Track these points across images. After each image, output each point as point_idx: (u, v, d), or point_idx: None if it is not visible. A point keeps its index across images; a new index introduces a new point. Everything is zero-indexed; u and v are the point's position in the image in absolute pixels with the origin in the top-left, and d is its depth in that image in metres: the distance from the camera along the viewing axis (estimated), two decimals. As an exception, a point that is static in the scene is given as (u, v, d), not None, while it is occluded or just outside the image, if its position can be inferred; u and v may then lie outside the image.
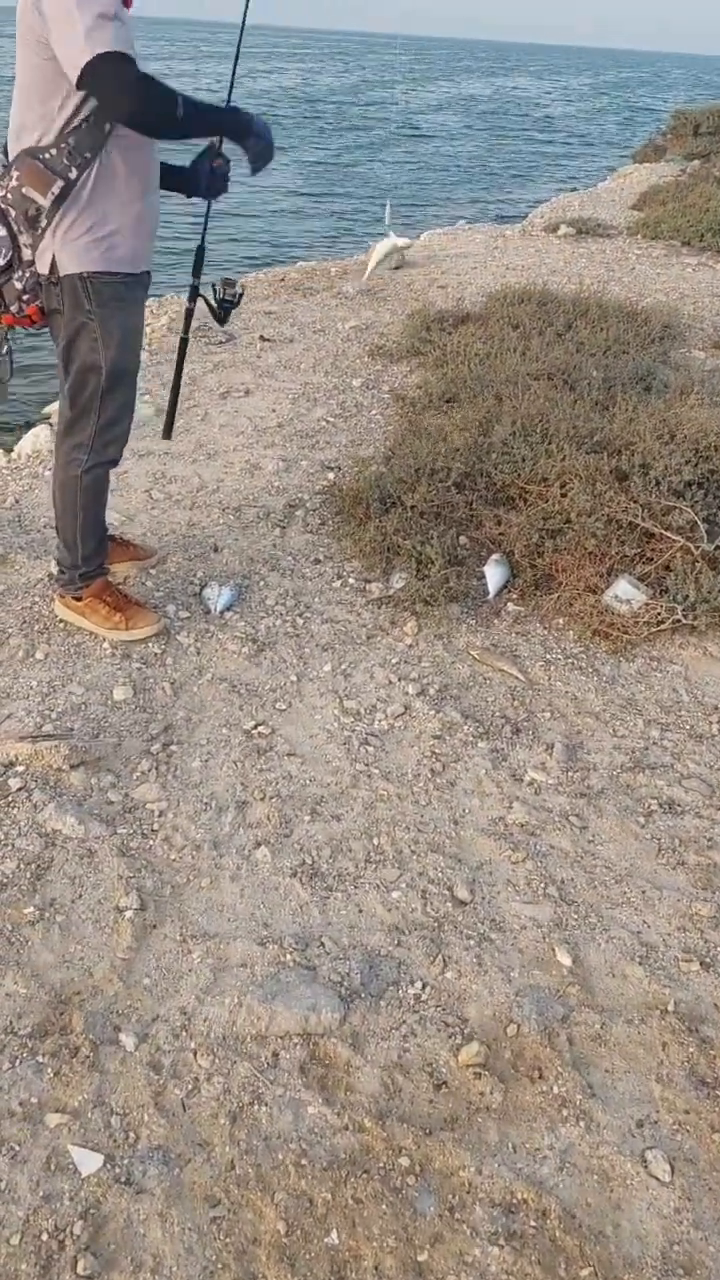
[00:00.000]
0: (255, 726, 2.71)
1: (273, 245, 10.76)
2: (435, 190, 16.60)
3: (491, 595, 3.38)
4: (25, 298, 2.55)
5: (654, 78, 79.30)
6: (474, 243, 9.32)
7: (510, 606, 3.38)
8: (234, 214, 12.82)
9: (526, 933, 2.17)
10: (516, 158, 22.11)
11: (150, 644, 2.99)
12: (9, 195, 2.41)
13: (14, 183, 2.39)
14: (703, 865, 2.38)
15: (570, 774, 2.64)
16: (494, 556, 3.51)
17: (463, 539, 3.71)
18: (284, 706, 2.80)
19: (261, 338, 6.10)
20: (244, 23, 2.77)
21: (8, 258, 2.48)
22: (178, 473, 4.20)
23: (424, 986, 2.03)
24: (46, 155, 2.36)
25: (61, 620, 3.06)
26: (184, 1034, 1.89)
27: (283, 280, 7.58)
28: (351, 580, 3.47)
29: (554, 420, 4.00)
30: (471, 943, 2.13)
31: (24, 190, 2.38)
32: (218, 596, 3.22)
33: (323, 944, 2.09)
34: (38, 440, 4.65)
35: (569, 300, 6.39)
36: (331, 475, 4.30)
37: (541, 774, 2.62)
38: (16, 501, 3.90)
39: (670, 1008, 2.03)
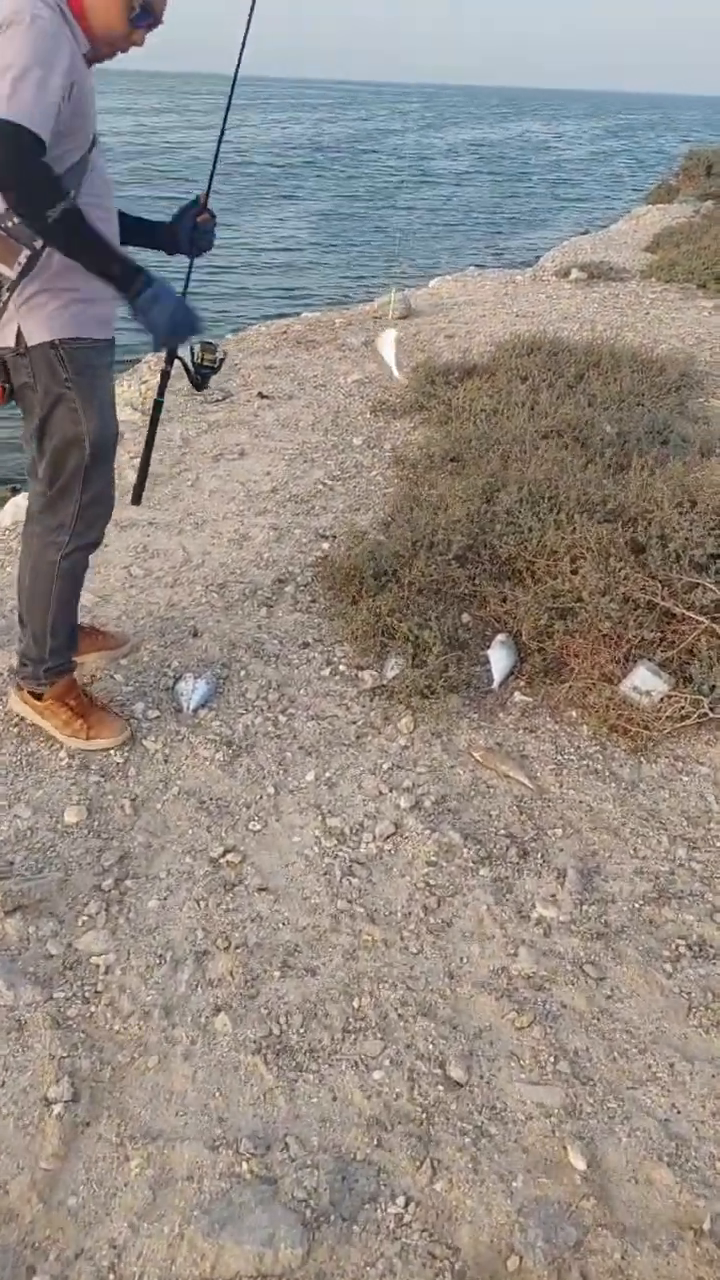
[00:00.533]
0: (224, 853, 2.38)
1: (280, 297, 10.58)
2: (444, 236, 16.51)
3: (496, 684, 3.05)
4: None
5: (663, 119, 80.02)
6: (483, 289, 9.10)
7: (517, 696, 3.04)
8: (234, 269, 12.70)
9: (532, 1124, 1.82)
10: (527, 201, 22.09)
11: (112, 752, 2.68)
12: None
13: None
14: (742, 1027, 2.02)
15: (585, 907, 2.29)
16: (499, 638, 3.19)
17: (465, 617, 3.40)
18: (258, 826, 2.47)
19: (260, 394, 5.86)
20: (236, 76, 2.52)
21: None
22: (161, 545, 3.92)
23: (408, 1203, 1.67)
24: (8, 224, 2.08)
25: (17, 716, 2.76)
26: (111, 1278, 1.54)
27: (285, 333, 7.37)
28: (342, 667, 3.15)
29: (563, 486, 3.69)
30: (467, 1140, 1.78)
31: None
32: (191, 692, 2.91)
33: (287, 1146, 1.75)
34: (19, 511, 4.39)
35: (580, 349, 6.11)
36: (326, 545, 4.00)
37: (552, 909, 2.28)
38: (-16, 582, 3.62)
39: (706, 1226, 1.67)
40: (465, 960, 2.14)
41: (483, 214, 19.39)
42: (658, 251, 10.63)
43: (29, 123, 1.84)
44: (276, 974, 2.08)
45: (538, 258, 12.59)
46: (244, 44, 2.46)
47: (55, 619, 2.59)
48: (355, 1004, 2.02)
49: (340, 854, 2.39)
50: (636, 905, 2.31)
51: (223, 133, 2.61)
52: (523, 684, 3.09)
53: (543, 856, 2.44)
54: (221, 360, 2.71)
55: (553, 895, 2.32)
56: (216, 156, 2.58)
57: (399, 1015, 2.00)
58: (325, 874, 2.34)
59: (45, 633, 2.60)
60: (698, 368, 6.49)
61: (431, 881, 2.33)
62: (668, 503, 3.44)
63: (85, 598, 3.35)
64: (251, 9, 2.39)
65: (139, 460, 2.87)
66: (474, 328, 7.47)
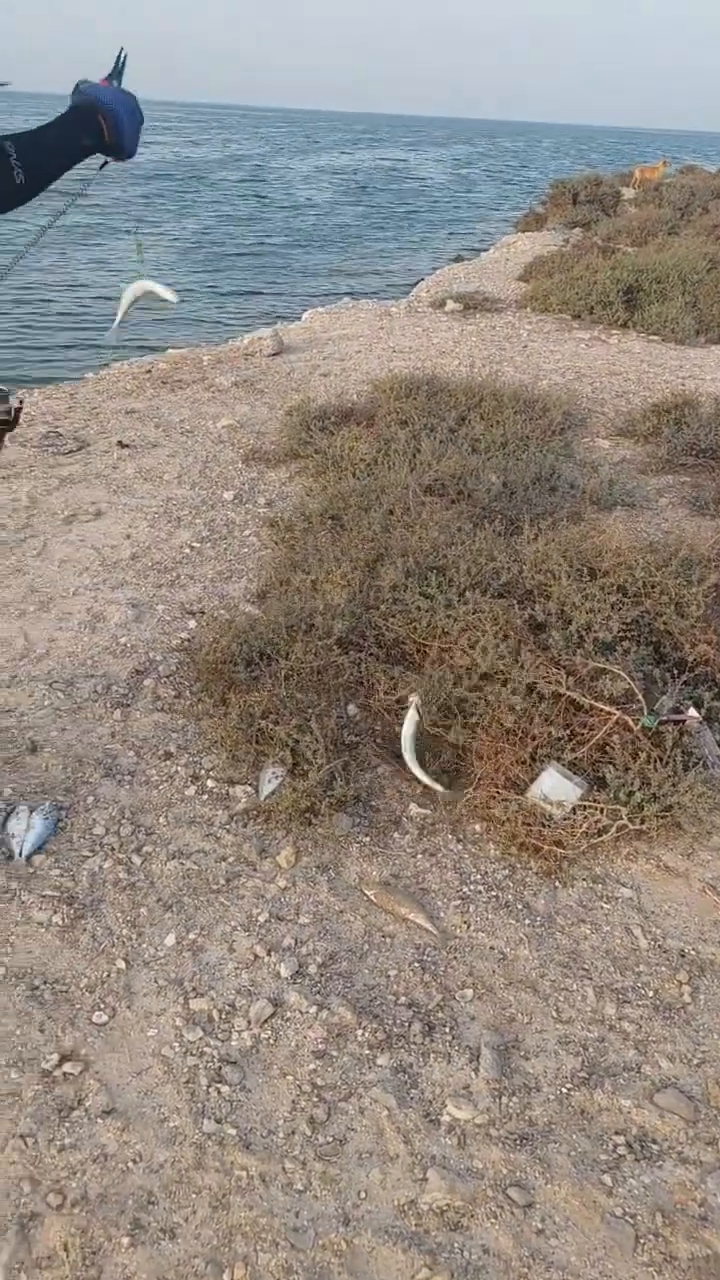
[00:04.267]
0: (60, 1062, 1.90)
1: (137, 331, 10.00)
2: (313, 264, 16.22)
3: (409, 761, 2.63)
4: None
5: (525, 148, 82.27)
6: (358, 322, 8.80)
7: (414, 810, 2.66)
8: (91, 302, 12.07)
9: None
10: (395, 227, 22.06)
11: None
12: None
13: None
14: (698, 1260, 1.66)
15: (504, 1100, 1.90)
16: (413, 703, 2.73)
17: (351, 709, 3.00)
18: (104, 1018, 2.00)
19: (120, 443, 5.36)
20: None
21: None
22: (-1, 632, 3.40)
23: None
24: None
25: None
26: None
27: (149, 372, 6.88)
28: (210, 783, 2.71)
29: (452, 556, 3.34)
30: None
31: None
32: (25, 832, 2.42)
33: None
34: None
35: (460, 389, 5.84)
36: (193, 623, 3.56)
37: (466, 1106, 1.88)
38: None
39: None
40: (363, 1195, 1.72)
41: (350, 241, 19.21)
42: (531, 280, 10.55)
43: None
44: (125, 1241, 1.62)
45: (412, 286, 12.41)
46: None
47: None
48: (226, 1279, 1.58)
49: (206, 1050, 1.95)
50: (564, 1090, 1.94)
51: None
52: (419, 792, 2.71)
53: (452, 1030, 2.04)
54: (13, 414, 2.08)
55: (465, 1086, 1.92)
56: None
57: (282, 1295, 1.57)
58: (188, 1082, 1.88)
59: None
60: (580, 404, 6.31)
61: (319, 1081, 1.91)
62: (565, 575, 3.12)
63: None
64: None
65: None
66: (350, 364, 7.14)
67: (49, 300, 12.10)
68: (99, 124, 1.78)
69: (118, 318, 2.38)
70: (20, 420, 2.13)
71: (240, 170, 36.23)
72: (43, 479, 4.78)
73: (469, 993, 2.13)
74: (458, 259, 15.14)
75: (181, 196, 25.35)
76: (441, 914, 2.33)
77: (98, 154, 1.86)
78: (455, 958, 2.22)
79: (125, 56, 1.88)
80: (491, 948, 2.25)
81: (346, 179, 35.48)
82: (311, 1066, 1.93)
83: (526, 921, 2.33)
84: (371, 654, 3.13)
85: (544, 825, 2.54)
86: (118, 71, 1.87)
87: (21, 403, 2.11)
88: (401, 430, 5.09)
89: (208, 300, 12.81)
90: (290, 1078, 1.91)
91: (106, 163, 1.90)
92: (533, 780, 2.63)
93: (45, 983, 2.06)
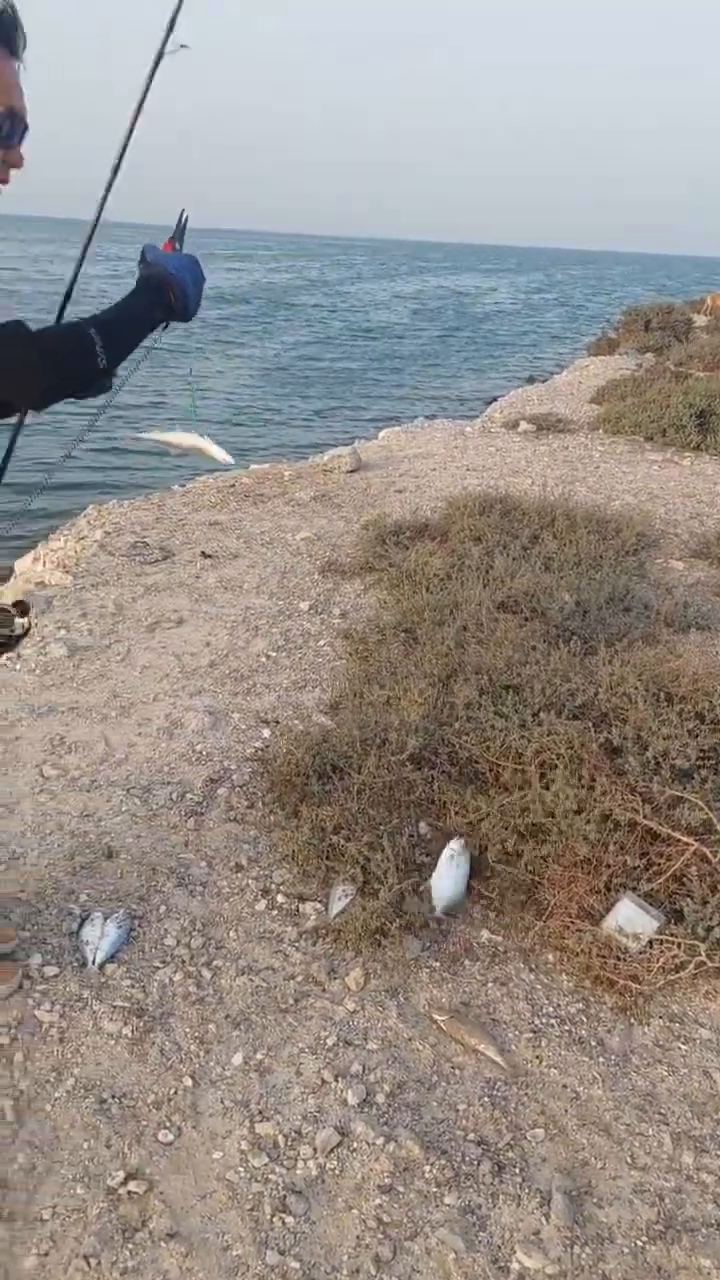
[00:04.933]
0: (125, 1180, 1.89)
1: (229, 448, 10.45)
2: (390, 385, 16.81)
3: (438, 910, 2.62)
4: None
5: (596, 276, 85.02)
6: (433, 441, 9.06)
7: (485, 935, 2.63)
8: (179, 420, 12.61)
9: None
10: (469, 350, 22.81)
11: (-4, 1027, 2.19)
12: None
13: None
14: None
15: (576, 1250, 1.83)
16: (449, 849, 2.75)
17: (422, 827, 3.00)
18: (170, 1136, 1.99)
19: (203, 554, 5.56)
20: (98, 217, 2.10)
21: None
22: (81, 736, 3.50)
23: None
24: None
25: None
26: None
27: (233, 486, 7.15)
28: (280, 898, 2.72)
29: (526, 675, 3.37)
30: None
31: None
32: (99, 939, 2.45)
33: None
34: None
35: (534, 507, 5.95)
36: (267, 733, 3.62)
37: (536, 1256, 1.81)
38: None
39: None
40: (430, 1348, 1.66)
41: (427, 364, 19.90)
42: (603, 403, 10.79)
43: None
44: None
45: (487, 404, 12.77)
46: (109, 186, 2.05)
47: None
48: None
49: (272, 1177, 1.91)
50: (639, 1244, 1.85)
51: (77, 271, 2.10)
52: (491, 917, 2.68)
53: (522, 1171, 1.98)
54: (19, 636, 2.04)
55: (536, 1232, 1.85)
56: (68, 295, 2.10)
57: None
58: (252, 1210, 1.85)
59: None
60: (654, 525, 6.36)
61: (385, 1217, 1.86)
62: (642, 699, 3.12)
63: (-14, 806, 2.92)
64: (120, 156, 1.96)
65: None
66: (424, 482, 7.34)
67: (136, 421, 12.72)
68: (168, 296, 1.79)
69: (156, 439, 2.42)
70: (23, 641, 2.09)
71: (320, 295, 38.00)
72: (129, 587, 4.97)
73: (540, 1132, 2.07)
74: (530, 381, 15.57)
75: (263, 320, 26.65)
76: (512, 1046, 2.28)
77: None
78: (526, 1094, 2.16)
79: (187, 219, 1.90)
80: (564, 1085, 2.19)
81: (422, 303, 36.96)
82: (377, 1201, 1.88)
83: (600, 1059, 2.27)
84: (444, 771, 3.14)
85: (619, 958, 2.49)
86: (180, 234, 1.88)
87: (30, 626, 2.07)
88: (475, 547, 5.19)
89: (289, 418, 13.32)
90: (355, 1212, 1.86)
91: (169, 324, 1.92)
92: (608, 910, 2.59)
93: (113, 1096, 2.06)
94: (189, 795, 3.18)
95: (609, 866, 2.68)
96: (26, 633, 2.03)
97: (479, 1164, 1.98)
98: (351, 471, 7.59)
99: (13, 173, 1.67)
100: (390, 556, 5.31)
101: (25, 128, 1.64)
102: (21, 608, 2.03)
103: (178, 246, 1.86)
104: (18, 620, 2.01)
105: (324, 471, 7.65)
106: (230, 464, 2.31)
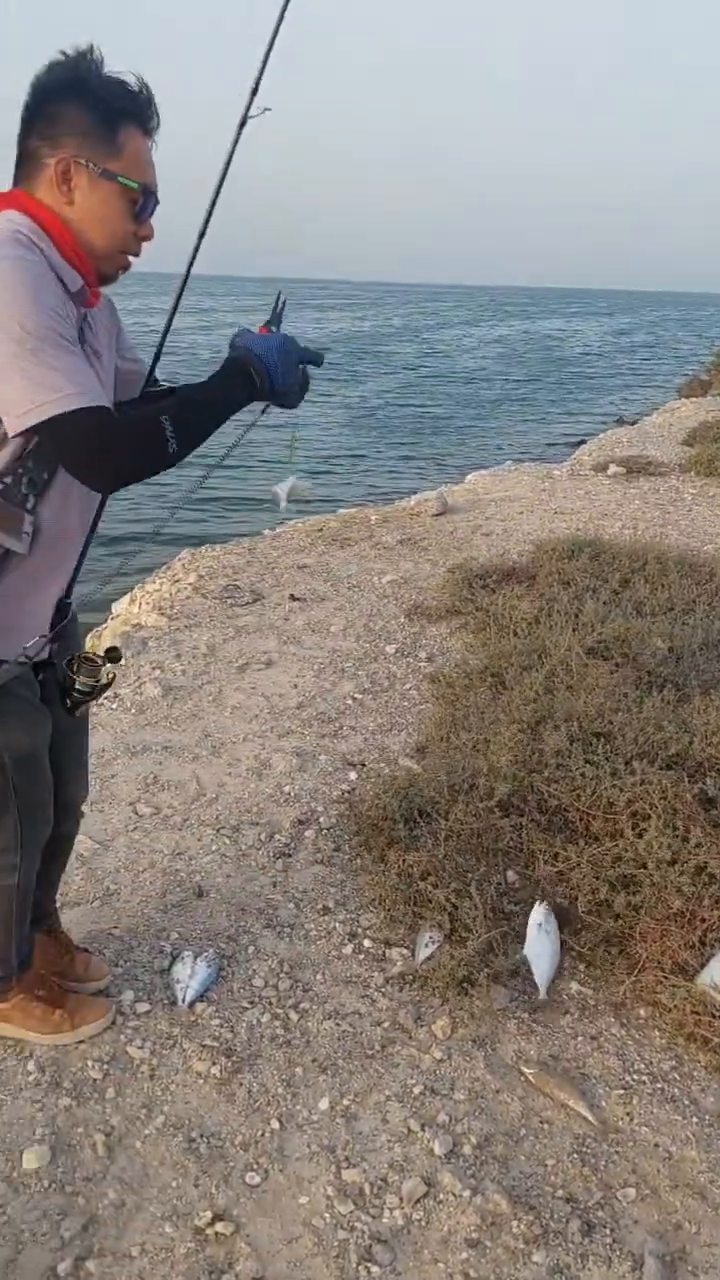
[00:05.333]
0: (213, 1220, 1.90)
1: (319, 494, 10.68)
2: (477, 429, 16.91)
3: (543, 992, 2.55)
4: None
5: (686, 318, 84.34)
6: (520, 484, 9.07)
7: (574, 988, 2.58)
8: (260, 460, 12.85)
9: None
10: (558, 393, 22.81)
11: (89, 1062, 2.24)
12: None
13: None
14: None
15: (671, 1320, 1.77)
16: (535, 916, 2.68)
17: (510, 875, 2.98)
18: (257, 1179, 2.00)
19: (292, 596, 5.66)
20: (187, 273, 2.16)
21: None
22: (173, 775, 3.58)
23: None
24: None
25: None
26: None
27: (320, 530, 7.27)
28: (367, 942, 2.72)
29: (618, 723, 3.33)
30: None
31: None
32: (190, 978, 2.48)
33: None
34: None
35: (624, 551, 5.90)
36: (353, 775, 3.65)
37: (629, 1324, 1.76)
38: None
39: None
40: None
41: (513, 407, 19.97)
42: (695, 445, 10.65)
43: (94, 400, 1.53)
44: None
45: (575, 447, 12.73)
46: (201, 237, 2.02)
47: (16, 932, 2.17)
48: None
49: (357, 1225, 1.91)
50: (738, 1317, 1.79)
51: (165, 337, 2.17)
52: (581, 969, 2.64)
53: (612, 1232, 1.93)
54: (105, 685, 2.02)
55: (629, 1299, 1.80)
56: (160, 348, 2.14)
57: None
58: (338, 1257, 1.85)
59: (9, 951, 2.18)
60: (748, 570, 6.23)
61: (472, 1273, 1.83)
62: (739, 748, 3.06)
63: (83, 844, 3.01)
64: (211, 209, 1.98)
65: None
66: (511, 525, 7.34)
67: (231, 466, 13.08)
68: (252, 378, 1.75)
69: (281, 505, 2.51)
70: (107, 691, 2.07)
71: (405, 342, 38.52)
72: (221, 629, 5.08)
73: (631, 1192, 2.01)
74: (620, 423, 15.47)
75: (350, 367, 27.12)
76: (602, 1102, 2.23)
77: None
78: (617, 1152, 2.11)
79: (285, 302, 1.89)
80: (656, 1145, 2.13)
81: (509, 347, 37.15)
82: (464, 1255, 1.86)
83: (694, 1119, 2.20)
84: (533, 819, 3.12)
85: (714, 1016, 2.42)
86: (276, 318, 1.87)
87: (113, 677, 2.05)
88: (564, 591, 5.16)
89: (375, 464, 13.50)
90: (441, 1265, 1.84)
91: (267, 408, 1.91)
92: (702, 966, 2.53)
93: (201, 1135, 2.09)
94: (277, 836, 3.22)
95: (704, 921, 2.61)
96: (111, 682, 2.03)
97: (568, 1222, 1.94)
98: (438, 515, 7.64)
99: (144, 245, 1.76)
100: (477, 600, 5.32)
101: (157, 202, 1.73)
102: (112, 654, 2.07)
103: (274, 329, 1.85)
104: (103, 668, 2.01)
105: (410, 515, 7.72)
106: (284, 514, 2.40)
